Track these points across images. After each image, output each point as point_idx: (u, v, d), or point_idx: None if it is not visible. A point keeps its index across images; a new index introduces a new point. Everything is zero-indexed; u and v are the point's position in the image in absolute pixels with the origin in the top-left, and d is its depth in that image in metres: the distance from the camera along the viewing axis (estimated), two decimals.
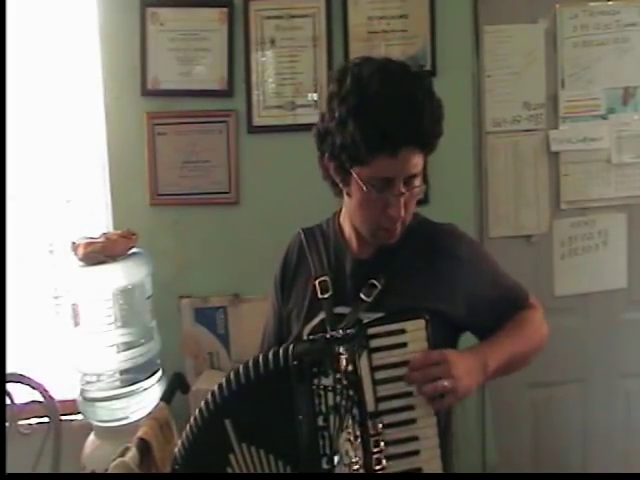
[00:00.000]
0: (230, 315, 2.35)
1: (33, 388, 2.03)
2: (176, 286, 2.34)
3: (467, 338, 1.42)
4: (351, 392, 1.15)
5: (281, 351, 1.19)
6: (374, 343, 1.16)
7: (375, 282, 1.33)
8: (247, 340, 2.29)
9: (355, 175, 1.26)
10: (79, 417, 2.21)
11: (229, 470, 1.20)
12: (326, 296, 1.37)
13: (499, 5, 2.37)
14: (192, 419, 1.26)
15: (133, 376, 2.09)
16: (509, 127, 2.41)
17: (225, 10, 2.27)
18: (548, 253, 2.47)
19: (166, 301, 2.29)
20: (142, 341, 2.12)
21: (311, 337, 1.31)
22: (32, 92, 2.39)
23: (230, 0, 2.28)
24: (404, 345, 1.17)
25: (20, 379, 2.03)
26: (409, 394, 1.16)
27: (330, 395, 1.15)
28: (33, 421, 2.17)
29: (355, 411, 1.14)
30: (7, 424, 2.03)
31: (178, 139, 2.31)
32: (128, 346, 2.08)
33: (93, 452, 2.05)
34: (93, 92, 2.32)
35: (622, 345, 2.52)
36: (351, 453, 1.13)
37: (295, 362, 1.17)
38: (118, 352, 2.07)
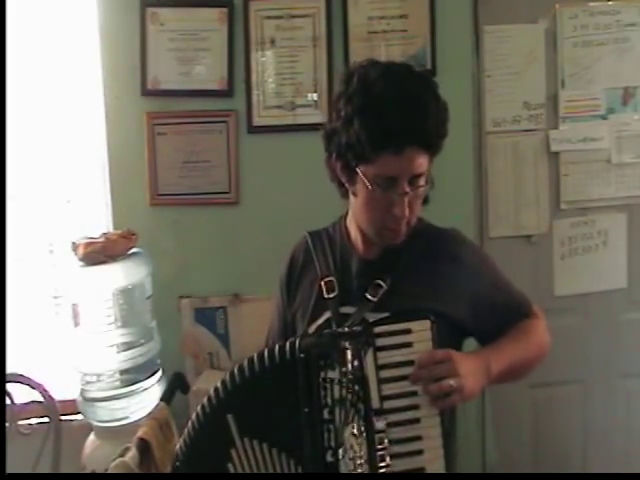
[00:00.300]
0: (230, 315, 2.35)
1: (33, 388, 2.03)
2: (176, 286, 2.34)
3: (469, 343, 1.42)
4: (357, 387, 1.15)
5: (287, 345, 1.20)
6: (380, 342, 1.17)
7: (381, 282, 1.33)
8: (247, 340, 2.30)
9: (360, 174, 1.27)
10: (79, 417, 2.21)
11: (230, 466, 1.21)
12: (332, 296, 1.38)
13: (499, 5, 2.37)
14: (194, 415, 1.26)
15: (133, 376, 2.09)
16: (509, 127, 2.41)
17: (225, 10, 2.27)
18: (548, 253, 2.47)
19: (166, 301, 2.29)
20: (142, 341, 2.12)
21: (318, 333, 1.32)
22: (32, 92, 2.39)
23: (230, 0, 2.28)
24: (409, 345, 1.18)
25: (20, 379, 2.03)
26: (414, 393, 1.16)
27: (336, 388, 1.15)
28: (33, 421, 2.18)
29: (360, 406, 1.15)
30: (7, 424, 2.03)
31: (178, 139, 2.31)
32: (128, 346, 2.08)
33: (93, 452, 2.05)
34: (93, 92, 2.32)
35: (622, 345, 2.52)
36: (356, 447, 1.14)
37: (302, 355, 1.17)
38: (118, 352, 2.07)
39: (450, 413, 1.31)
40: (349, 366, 1.15)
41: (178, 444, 1.29)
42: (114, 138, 2.32)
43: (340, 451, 1.14)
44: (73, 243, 2.03)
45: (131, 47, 2.28)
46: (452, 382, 1.15)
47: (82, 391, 2.11)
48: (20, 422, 2.09)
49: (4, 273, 1.93)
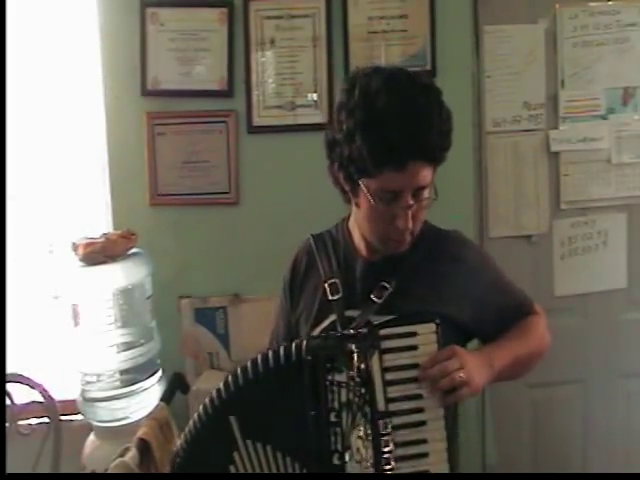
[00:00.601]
0: (230, 315, 2.35)
1: (33, 388, 2.03)
2: (176, 286, 2.34)
3: (471, 344, 1.42)
4: (363, 390, 1.15)
5: (293, 346, 1.19)
6: (385, 344, 1.17)
7: (386, 284, 1.33)
8: (247, 340, 2.30)
9: (363, 187, 1.26)
10: (79, 417, 2.21)
11: (232, 468, 1.20)
12: (336, 298, 1.37)
13: (499, 5, 2.37)
14: (196, 415, 1.25)
15: (133, 376, 2.09)
16: (509, 127, 2.41)
17: (225, 10, 2.27)
18: (548, 253, 2.47)
19: (166, 301, 2.29)
20: (142, 341, 2.12)
21: (323, 334, 1.31)
22: (32, 92, 2.39)
23: (230, 0, 2.28)
24: (415, 348, 1.18)
25: (20, 379, 2.03)
26: (419, 396, 1.16)
27: (343, 392, 1.15)
28: (33, 421, 2.17)
29: (367, 409, 1.15)
30: (7, 424, 2.02)
31: (178, 139, 2.31)
32: (128, 346, 2.08)
33: (93, 452, 2.05)
34: (93, 92, 2.32)
35: (622, 345, 2.52)
36: (362, 450, 1.14)
37: (309, 357, 1.17)
38: (118, 352, 2.07)
39: (452, 416, 1.30)
40: (356, 369, 1.15)
41: (178, 442, 1.29)
42: (114, 138, 2.32)
43: (347, 454, 1.13)
44: (73, 243, 2.03)
45: (131, 47, 2.27)
46: (462, 374, 1.16)
47: (82, 391, 2.11)
48: (20, 422, 2.08)
49: (4, 273, 1.93)
